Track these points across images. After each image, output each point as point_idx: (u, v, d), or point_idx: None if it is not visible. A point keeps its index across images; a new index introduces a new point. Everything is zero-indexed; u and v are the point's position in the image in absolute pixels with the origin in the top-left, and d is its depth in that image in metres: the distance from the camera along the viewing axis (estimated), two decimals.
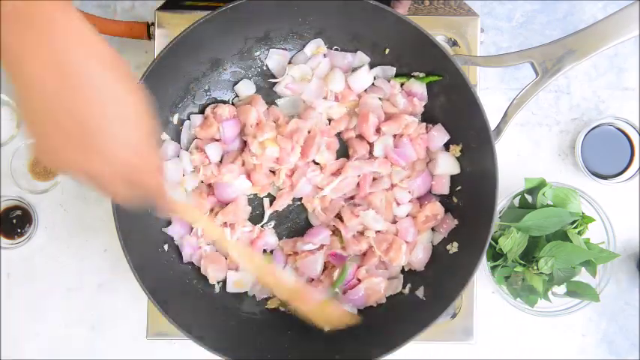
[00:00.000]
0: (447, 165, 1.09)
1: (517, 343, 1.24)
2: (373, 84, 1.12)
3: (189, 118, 1.12)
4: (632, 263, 1.24)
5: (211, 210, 1.12)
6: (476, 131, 1.01)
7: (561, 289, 1.16)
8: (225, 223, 1.11)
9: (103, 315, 1.23)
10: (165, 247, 1.10)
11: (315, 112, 1.10)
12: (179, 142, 1.12)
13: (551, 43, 0.98)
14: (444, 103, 1.09)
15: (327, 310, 1.04)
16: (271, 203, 1.13)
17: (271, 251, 1.14)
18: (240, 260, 1.06)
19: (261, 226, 1.13)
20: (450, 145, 1.10)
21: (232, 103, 1.14)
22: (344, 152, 1.14)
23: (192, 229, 1.11)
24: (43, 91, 0.61)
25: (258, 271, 1.04)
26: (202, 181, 1.12)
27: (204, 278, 1.11)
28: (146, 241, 1.08)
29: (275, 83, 1.14)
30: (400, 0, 1.09)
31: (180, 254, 1.11)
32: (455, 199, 1.10)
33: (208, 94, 1.13)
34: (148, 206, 0.83)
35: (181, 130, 1.12)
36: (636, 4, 0.94)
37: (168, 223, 1.11)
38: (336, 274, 1.09)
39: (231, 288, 1.11)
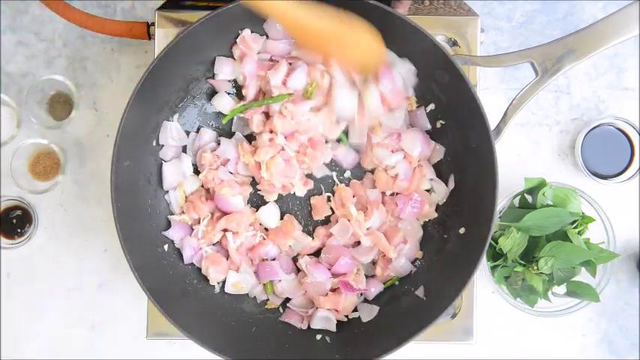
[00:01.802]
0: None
1: (517, 343, 1.24)
2: None
3: (198, 131, 1.13)
4: (632, 263, 1.24)
5: (212, 215, 1.12)
6: (476, 131, 1.01)
7: (561, 289, 1.16)
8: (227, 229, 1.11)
9: (103, 315, 1.23)
10: (165, 247, 1.10)
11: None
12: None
13: (551, 43, 0.98)
14: (444, 103, 1.09)
15: (364, 44, 0.97)
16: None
17: (273, 259, 1.14)
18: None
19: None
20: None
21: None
22: None
23: (192, 230, 1.11)
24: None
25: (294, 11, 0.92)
26: (202, 185, 1.12)
27: (205, 278, 1.11)
28: (146, 242, 1.08)
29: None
30: (400, 0, 1.09)
31: (180, 254, 1.11)
32: (455, 199, 1.10)
33: (208, 94, 1.13)
34: None
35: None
36: (636, 4, 0.94)
37: (168, 226, 1.11)
38: None
39: (229, 289, 1.11)
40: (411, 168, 1.11)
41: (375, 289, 1.11)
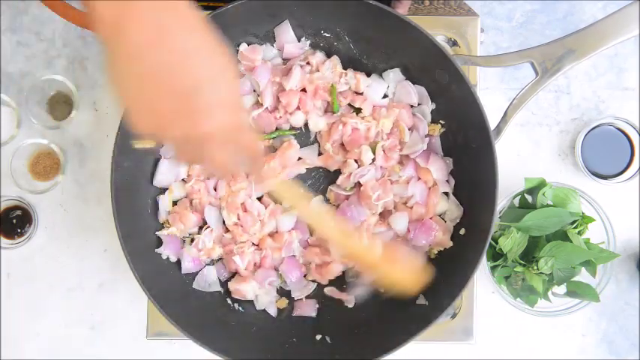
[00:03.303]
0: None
1: (517, 343, 1.24)
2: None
3: None
4: (632, 263, 1.24)
5: (200, 228, 1.11)
6: (476, 131, 1.01)
7: (561, 289, 1.16)
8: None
9: (103, 315, 1.23)
10: None
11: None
12: None
13: (551, 43, 0.98)
14: (444, 103, 1.09)
15: (409, 271, 1.01)
16: None
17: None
18: (325, 230, 1.01)
19: None
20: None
21: None
22: None
23: (193, 240, 1.11)
24: (144, 57, 0.65)
25: (343, 239, 1.00)
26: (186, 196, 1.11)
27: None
28: (146, 242, 1.08)
29: None
30: (400, 0, 1.09)
31: None
32: (455, 200, 1.10)
33: None
34: (245, 169, 0.86)
35: None
36: (636, 4, 0.94)
37: (160, 243, 1.10)
38: None
39: (234, 293, 1.11)
40: (427, 188, 1.10)
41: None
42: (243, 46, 1.09)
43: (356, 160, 1.10)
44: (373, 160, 1.10)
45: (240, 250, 1.09)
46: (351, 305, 1.11)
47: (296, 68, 1.08)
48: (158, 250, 1.08)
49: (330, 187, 1.12)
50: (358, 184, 1.11)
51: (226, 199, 1.08)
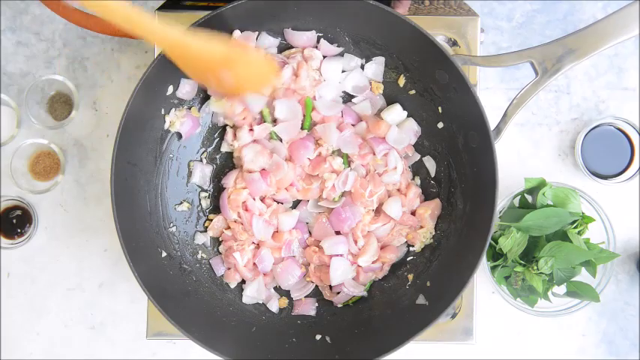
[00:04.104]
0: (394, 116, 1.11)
1: (517, 343, 1.24)
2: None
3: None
4: (632, 263, 1.24)
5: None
6: (476, 131, 1.01)
7: (561, 289, 1.16)
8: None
9: (103, 315, 1.23)
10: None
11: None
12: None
13: (551, 43, 0.98)
14: (444, 103, 1.09)
15: (258, 65, 1.01)
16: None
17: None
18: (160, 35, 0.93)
19: None
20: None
21: None
22: None
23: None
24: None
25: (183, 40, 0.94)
26: None
27: (204, 278, 1.11)
28: (146, 242, 1.08)
29: None
30: (400, 0, 1.09)
31: (180, 254, 1.11)
32: (455, 199, 1.10)
33: (208, 95, 1.13)
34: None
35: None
36: (636, 4, 0.94)
37: (167, 227, 1.10)
38: None
39: (247, 300, 1.12)
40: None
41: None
42: (237, 33, 1.07)
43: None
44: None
45: (240, 247, 1.09)
46: (340, 305, 1.11)
47: (288, 68, 1.08)
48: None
49: (319, 203, 1.12)
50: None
51: (229, 194, 1.09)
